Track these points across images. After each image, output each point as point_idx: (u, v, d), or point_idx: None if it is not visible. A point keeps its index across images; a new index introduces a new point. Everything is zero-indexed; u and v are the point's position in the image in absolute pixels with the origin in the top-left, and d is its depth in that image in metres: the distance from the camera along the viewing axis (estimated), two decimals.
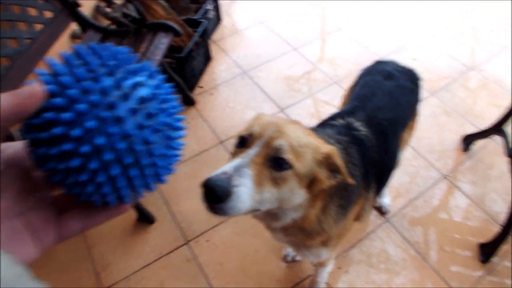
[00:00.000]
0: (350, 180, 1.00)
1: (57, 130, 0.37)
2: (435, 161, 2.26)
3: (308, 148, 0.94)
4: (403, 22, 3.28)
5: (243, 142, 0.95)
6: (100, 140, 0.38)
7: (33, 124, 0.38)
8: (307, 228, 1.11)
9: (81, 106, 0.37)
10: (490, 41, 3.06)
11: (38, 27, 1.89)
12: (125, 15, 2.44)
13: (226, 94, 2.70)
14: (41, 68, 0.40)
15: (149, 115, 0.40)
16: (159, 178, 0.45)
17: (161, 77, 0.44)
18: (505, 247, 1.83)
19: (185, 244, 1.96)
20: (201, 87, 2.75)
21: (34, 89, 0.36)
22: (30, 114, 0.37)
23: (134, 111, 0.39)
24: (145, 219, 2.04)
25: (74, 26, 2.27)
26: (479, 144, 2.32)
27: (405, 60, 2.84)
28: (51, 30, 1.96)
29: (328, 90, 2.69)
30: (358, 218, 1.35)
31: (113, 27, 2.40)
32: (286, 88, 2.73)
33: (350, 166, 1.17)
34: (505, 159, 1.95)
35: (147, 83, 0.42)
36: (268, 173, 0.89)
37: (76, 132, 0.37)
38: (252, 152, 0.90)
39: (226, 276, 1.84)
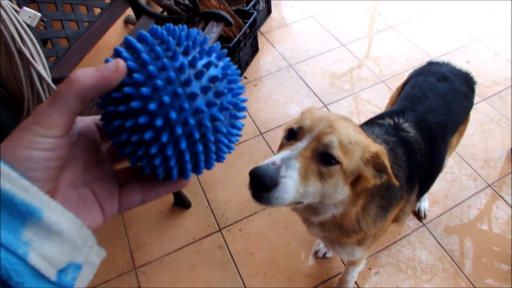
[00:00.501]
0: (395, 181, 1.00)
1: (135, 104, 0.39)
2: (479, 169, 2.19)
3: (358, 146, 0.94)
4: (457, 23, 3.16)
5: (293, 135, 0.97)
6: (173, 115, 0.39)
7: (112, 98, 0.40)
8: (345, 225, 1.12)
9: (159, 82, 0.39)
10: None
11: (97, 11, 2.00)
12: (178, 3, 2.52)
13: (270, 87, 2.73)
14: (119, 46, 0.42)
15: (218, 94, 0.42)
16: (219, 155, 0.46)
17: (228, 58, 0.46)
18: None
19: (218, 231, 2.02)
20: (246, 78, 2.80)
21: (117, 64, 0.39)
22: (112, 87, 0.39)
23: (205, 89, 0.41)
24: (181, 203, 2.12)
25: (128, 12, 2.37)
26: None
27: (457, 62, 2.77)
28: (108, 15, 2.07)
29: (372, 89, 2.66)
30: (396, 220, 1.35)
31: (166, 14, 2.48)
32: (329, 84, 2.72)
33: (395, 167, 1.16)
34: None
35: (217, 64, 0.44)
36: (315, 167, 0.90)
37: (152, 106, 0.39)
38: (301, 145, 0.91)
39: (256, 266, 1.89)
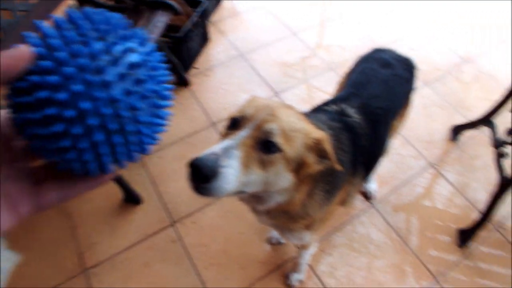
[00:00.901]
0: (338, 166, 1.01)
1: (42, 94, 0.36)
2: (423, 150, 2.30)
3: (299, 132, 0.95)
4: (404, 13, 3.27)
5: (235, 124, 0.96)
6: (85, 105, 0.37)
7: (18, 88, 0.37)
8: (292, 212, 1.13)
9: (69, 69, 0.37)
10: (487, 36, 3.05)
11: (34, 0, 1.90)
12: None
13: (221, 76, 2.71)
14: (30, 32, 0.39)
15: (138, 81, 0.40)
16: (142, 147, 0.44)
17: (152, 45, 0.44)
18: (482, 233, 1.88)
19: (171, 225, 1.99)
20: (197, 68, 2.76)
21: (21, 50, 0.36)
22: (16, 76, 0.36)
23: (122, 76, 0.39)
24: (131, 199, 2.05)
25: (70, 1, 2.27)
26: (467, 135, 2.35)
27: (403, 50, 2.87)
28: (47, 4, 1.97)
29: (323, 76, 2.71)
30: (342, 202, 1.38)
31: (111, 3, 2.40)
32: (281, 73, 2.74)
33: (339, 152, 1.19)
34: (489, 150, 1.98)
35: (138, 50, 0.41)
36: (257, 156, 0.90)
37: (61, 96, 0.36)
38: (242, 133, 0.90)
39: (210, 258, 1.88)
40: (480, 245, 1.91)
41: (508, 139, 1.83)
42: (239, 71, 2.75)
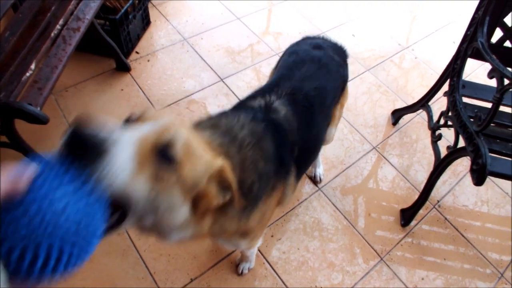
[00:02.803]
0: (238, 204, 0.89)
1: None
2: (367, 135, 2.37)
3: (202, 158, 0.82)
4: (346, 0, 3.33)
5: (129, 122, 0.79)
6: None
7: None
8: (207, 236, 1.00)
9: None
10: (425, 24, 3.21)
11: None
12: None
13: (164, 61, 2.58)
14: None
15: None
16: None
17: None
18: (422, 212, 1.98)
19: None
20: (138, 52, 2.61)
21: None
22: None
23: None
24: None
25: None
26: (407, 119, 2.46)
27: (345, 35, 2.94)
28: None
29: (271, 61, 2.68)
30: (278, 203, 1.28)
31: None
32: (227, 59, 2.67)
33: (260, 164, 1.06)
34: (428, 133, 2.08)
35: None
36: (151, 163, 0.70)
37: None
38: (142, 128, 0.72)
39: (159, 249, 1.79)
40: (421, 223, 2.01)
41: (442, 122, 1.93)
42: (183, 56, 2.64)
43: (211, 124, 1.07)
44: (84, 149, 0.58)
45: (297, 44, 1.59)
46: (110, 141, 0.61)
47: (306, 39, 1.63)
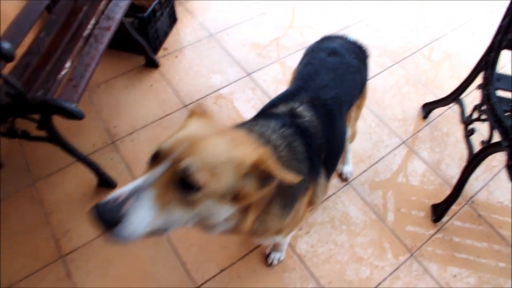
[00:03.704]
0: (289, 178, 0.91)
1: None
2: (396, 129, 2.33)
3: (228, 164, 0.85)
4: None
5: (155, 158, 0.86)
6: None
7: None
8: (247, 232, 1.04)
9: None
10: (456, 15, 3.11)
11: None
12: None
13: (191, 57, 2.62)
14: None
15: None
16: None
17: None
18: (454, 208, 1.94)
19: None
20: (165, 49, 2.66)
21: None
22: None
23: None
24: (105, 184, 1.99)
25: None
26: (438, 112, 2.40)
27: (371, 29, 2.89)
28: None
29: (296, 55, 2.67)
30: (310, 204, 1.32)
31: None
32: (253, 53, 2.68)
33: (293, 163, 1.12)
34: (460, 127, 2.03)
35: None
36: (175, 194, 0.81)
37: None
38: (158, 171, 0.81)
39: (190, 239, 1.84)
40: (453, 219, 1.97)
41: (475, 116, 1.87)
42: (210, 52, 2.67)
43: (245, 130, 1.09)
44: (107, 225, 0.75)
45: (313, 50, 1.56)
46: (121, 211, 0.76)
47: (323, 42, 1.60)
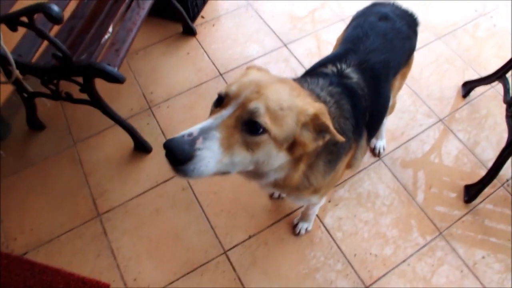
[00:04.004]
0: (340, 138, 0.95)
1: None
2: (433, 107, 2.27)
3: (291, 111, 0.89)
4: None
5: (220, 101, 0.90)
6: None
7: None
8: (293, 184, 1.10)
9: None
10: None
11: None
12: None
13: (228, 26, 2.61)
14: None
15: None
16: None
17: None
18: (488, 190, 1.90)
19: None
20: (203, 17, 2.66)
21: None
22: None
23: None
24: (141, 148, 2.07)
25: None
26: (479, 91, 2.32)
27: (415, 1, 2.76)
28: None
29: (333, 29, 2.62)
30: (349, 166, 1.36)
31: None
32: (290, 24, 2.64)
33: (341, 120, 1.15)
34: (501, 109, 1.96)
35: None
36: (240, 137, 0.85)
37: None
38: (225, 113, 0.85)
39: (220, 205, 1.91)
40: (485, 202, 1.93)
41: None
42: (247, 21, 2.65)
43: None
44: (177, 161, 0.79)
45: (363, 13, 1.54)
46: (193, 148, 0.79)
47: (374, 6, 1.57)
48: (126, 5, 1.91)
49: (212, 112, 0.91)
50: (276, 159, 0.93)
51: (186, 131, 0.81)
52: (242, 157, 0.87)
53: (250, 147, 0.86)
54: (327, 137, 0.96)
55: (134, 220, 1.88)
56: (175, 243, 1.82)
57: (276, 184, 1.11)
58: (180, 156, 0.78)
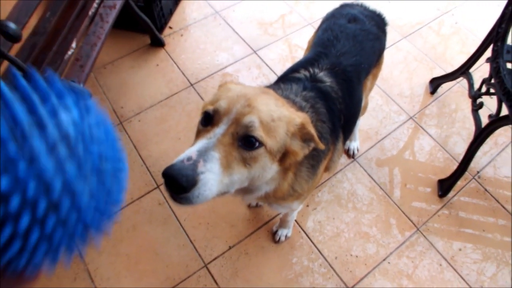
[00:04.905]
0: (322, 146, 0.97)
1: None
2: (404, 105, 2.31)
3: (281, 121, 0.89)
4: None
5: (209, 119, 0.88)
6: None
7: None
8: (282, 195, 1.10)
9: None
10: None
11: None
12: None
13: (197, 35, 2.60)
14: None
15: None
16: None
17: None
18: (460, 183, 1.94)
19: (156, 188, 1.96)
20: (171, 28, 2.64)
21: None
22: None
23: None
24: None
25: None
26: (446, 87, 2.37)
27: (380, 1, 2.82)
28: None
29: (302, 32, 2.64)
30: (326, 169, 1.37)
31: None
32: (259, 30, 2.65)
33: (318, 124, 1.16)
34: (468, 103, 2.01)
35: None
36: (237, 154, 0.83)
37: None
38: (218, 131, 0.83)
39: (198, 217, 1.88)
40: (459, 195, 1.97)
41: (484, 90, 1.85)
42: (215, 29, 2.64)
43: None
44: (181, 189, 0.75)
45: (333, 15, 1.56)
46: (196, 172, 0.76)
47: (342, 8, 1.60)
48: (89, 19, 1.87)
49: (201, 132, 0.88)
50: (270, 171, 0.93)
51: (184, 155, 0.78)
52: (240, 174, 0.86)
53: (247, 162, 0.85)
54: (312, 145, 0.97)
55: (111, 239, 1.82)
56: (155, 259, 1.77)
57: (265, 197, 1.10)
58: (185, 184, 0.74)
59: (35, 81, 0.43)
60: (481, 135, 1.74)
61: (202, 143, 0.81)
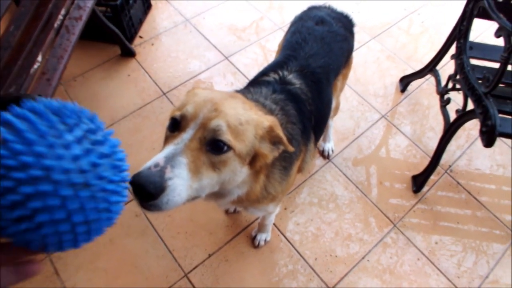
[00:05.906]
0: (291, 148, 0.98)
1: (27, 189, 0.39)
2: (377, 104, 2.35)
3: (249, 125, 0.89)
4: None
5: (176, 125, 0.87)
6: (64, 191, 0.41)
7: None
8: (253, 197, 1.10)
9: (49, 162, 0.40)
10: None
11: None
12: None
13: (168, 44, 2.58)
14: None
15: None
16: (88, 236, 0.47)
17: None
18: (434, 178, 1.98)
19: (133, 200, 1.93)
20: (141, 37, 2.61)
21: None
22: None
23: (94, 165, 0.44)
24: None
25: None
26: (415, 84, 2.43)
27: (348, 3, 2.87)
28: None
29: (276, 36, 2.65)
30: (300, 170, 1.37)
31: None
32: (231, 36, 2.66)
33: (289, 126, 1.16)
34: (437, 100, 2.06)
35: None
36: (206, 158, 0.83)
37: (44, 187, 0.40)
38: (186, 136, 0.82)
39: (176, 227, 1.85)
40: (433, 189, 2.01)
41: (450, 86, 1.90)
42: (186, 37, 2.63)
43: None
44: (149, 196, 0.74)
45: (300, 18, 1.58)
46: (164, 178, 0.75)
47: (310, 11, 1.62)
48: (55, 32, 1.83)
49: (168, 138, 0.87)
50: (240, 175, 0.93)
51: (150, 162, 0.76)
52: (210, 179, 0.85)
53: (216, 166, 0.85)
54: (281, 148, 0.97)
55: (87, 254, 1.78)
56: (134, 272, 1.74)
57: (238, 200, 1.09)
58: (152, 190, 0.73)
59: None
60: (450, 129, 1.78)
61: (169, 149, 0.80)
